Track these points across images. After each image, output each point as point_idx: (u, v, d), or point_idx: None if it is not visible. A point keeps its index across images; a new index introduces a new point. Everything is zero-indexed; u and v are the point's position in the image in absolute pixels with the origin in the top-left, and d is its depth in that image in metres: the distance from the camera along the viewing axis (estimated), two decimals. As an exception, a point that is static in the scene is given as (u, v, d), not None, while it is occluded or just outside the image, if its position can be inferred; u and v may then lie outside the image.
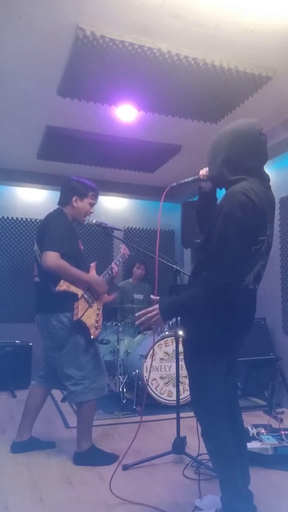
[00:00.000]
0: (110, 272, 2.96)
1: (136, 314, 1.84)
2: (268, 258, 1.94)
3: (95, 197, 2.88)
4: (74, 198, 2.80)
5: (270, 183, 1.95)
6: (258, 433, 2.88)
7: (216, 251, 1.74)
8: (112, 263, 3.01)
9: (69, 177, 2.94)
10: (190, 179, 2.10)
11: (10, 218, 5.41)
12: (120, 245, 3.32)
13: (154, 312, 1.78)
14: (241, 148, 1.80)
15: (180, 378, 2.89)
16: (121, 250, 3.27)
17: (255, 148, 1.83)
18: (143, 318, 1.80)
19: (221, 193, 1.88)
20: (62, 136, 4.17)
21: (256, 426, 2.97)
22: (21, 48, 2.82)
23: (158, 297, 1.84)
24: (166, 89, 3.25)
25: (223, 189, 1.89)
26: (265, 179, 1.89)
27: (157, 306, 1.79)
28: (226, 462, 1.82)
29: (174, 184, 2.17)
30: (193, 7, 2.43)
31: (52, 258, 2.54)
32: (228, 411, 1.89)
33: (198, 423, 1.94)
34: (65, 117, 3.82)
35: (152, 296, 1.94)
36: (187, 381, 3.86)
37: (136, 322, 1.85)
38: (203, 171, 2.02)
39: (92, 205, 2.87)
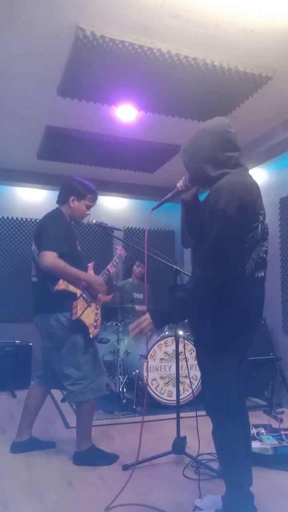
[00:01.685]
0: (107, 273, 2.96)
1: (130, 328, 1.88)
2: (268, 243, 1.94)
3: (93, 200, 2.87)
4: (71, 198, 2.80)
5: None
6: (258, 433, 2.87)
7: (205, 247, 1.75)
8: (109, 265, 3.02)
9: (70, 176, 2.94)
10: (169, 195, 2.12)
11: (10, 218, 5.41)
12: (117, 246, 3.33)
13: (146, 322, 1.82)
14: (219, 142, 1.84)
15: (180, 378, 2.88)
16: (118, 251, 3.30)
17: (230, 140, 1.86)
18: (136, 330, 1.84)
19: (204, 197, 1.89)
20: (62, 136, 4.17)
21: (256, 426, 2.97)
22: (21, 48, 2.82)
23: (144, 307, 1.87)
24: (166, 89, 3.25)
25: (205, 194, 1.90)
26: (244, 167, 1.92)
27: (147, 316, 1.83)
28: (234, 462, 1.83)
29: (156, 205, 2.18)
30: (193, 7, 2.43)
31: (50, 258, 2.54)
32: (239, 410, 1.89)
33: (198, 423, 1.95)
34: (65, 117, 3.82)
35: (136, 306, 2.00)
36: (187, 381, 3.91)
37: (131, 336, 1.89)
38: (180, 183, 2.04)
39: (89, 207, 2.87)
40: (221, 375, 1.85)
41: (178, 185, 2.05)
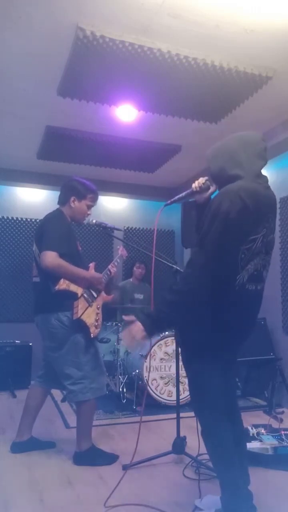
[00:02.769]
0: (108, 273, 2.96)
1: (122, 338, 1.85)
2: (270, 258, 1.93)
3: (94, 200, 2.88)
4: (72, 198, 2.80)
5: (270, 183, 1.95)
6: (258, 433, 2.88)
7: (199, 247, 1.75)
8: (110, 265, 3.02)
9: (71, 177, 2.95)
10: (183, 194, 2.13)
11: (10, 218, 5.41)
12: (118, 246, 3.33)
13: (137, 330, 1.78)
14: (246, 145, 1.87)
15: (180, 378, 2.88)
16: (119, 251, 3.30)
17: (258, 148, 1.88)
18: (129, 339, 1.81)
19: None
20: (62, 136, 4.17)
21: (256, 426, 2.97)
22: (21, 48, 2.82)
23: (132, 317, 1.86)
24: (166, 89, 3.25)
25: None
26: (264, 179, 1.92)
27: (139, 324, 1.78)
28: (226, 462, 1.83)
29: (169, 202, 2.19)
30: (193, 7, 2.43)
31: (50, 258, 2.54)
32: (228, 411, 1.89)
33: (198, 423, 1.95)
34: (65, 117, 3.82)
35: (124, 316, 1.99)
36: (187, 381, 3.87)
37: (124, 344, 1.87)
38: (196, 184, 2.05)
39: (90, 207, 2.87)
40: (204, 377, 1.86)
41: (193, 185, 2.06)
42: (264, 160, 1.90)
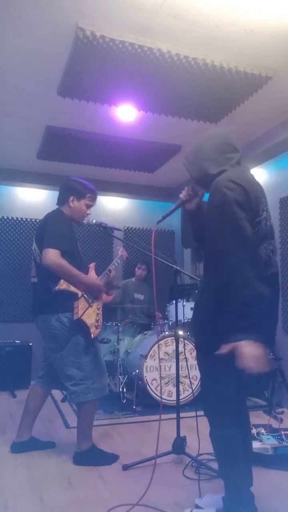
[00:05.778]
0: (106, 276, 2.95)
1: (249, 367, 1.57)
2: (275, 243, 1.93)
3: (93, 199, 2.87)
4: (71, 198, 2.80)
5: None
6: (258, 433, 2.87)
7: (218, 242, 1.71)
8: (110, 267, 3.01)
9: (69, 177, 2.95)
10: (173, 207, 2.16)
11: (10, 218, 5.41)
12: (119, 247, 3.33)
13: (253, 349, 1.59)
14: (218, 145, 1.91)
15: (180, 378, 2.88)
16: (119, 252, 3.29)
17: (230, 144, 1.92)
18: (255, 366, 1.59)
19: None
20: (62, 136, 4.17)
21: (256, 426, 2.97)
22: (21, 48, 2.82)
23: (230, 345, 1.62)
24: (166, 89, 3.25)
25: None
26: (245, 167, 1.95)
27: (246, 344, 1.59)
28: (232, 463, 1.82)
29: (161, 219, 2.24)
30: (193, 7, 2.43)
31: (52, 255, 2.54)
32: (239, 410, 1.88)
33: (198, 423, 1.94)
34: (65, 117, 3.82)
35: (219, 353, 1.65)
36: (187, 381, 3.91)
37: (256, 369, 1.59)
38: (183, 193, 2.06)
39: (89, 206, 2.87)
40: (219, 377, 1.82)
41: (181, 195, 2.07)
42: (238, 151, 1.92)
